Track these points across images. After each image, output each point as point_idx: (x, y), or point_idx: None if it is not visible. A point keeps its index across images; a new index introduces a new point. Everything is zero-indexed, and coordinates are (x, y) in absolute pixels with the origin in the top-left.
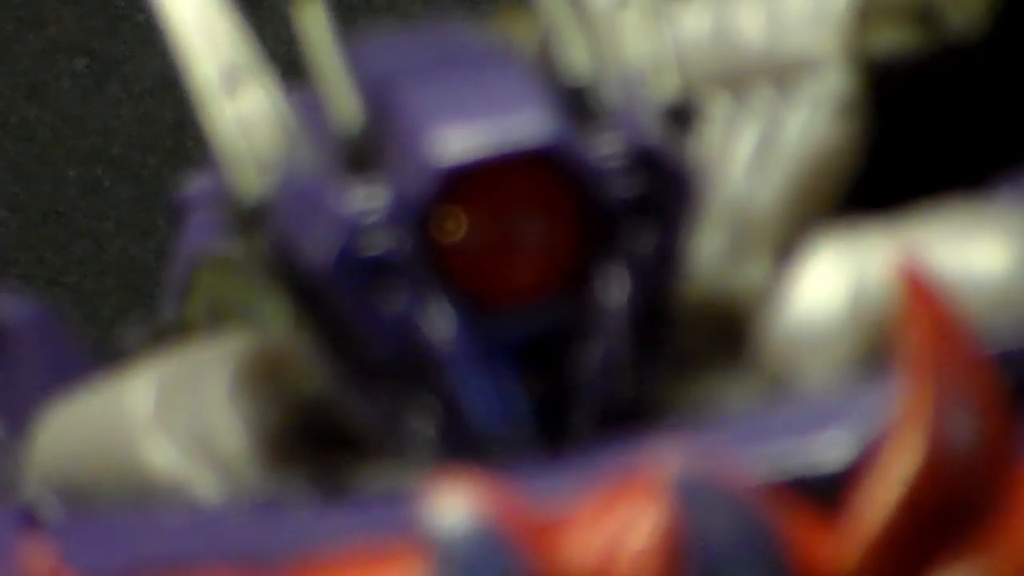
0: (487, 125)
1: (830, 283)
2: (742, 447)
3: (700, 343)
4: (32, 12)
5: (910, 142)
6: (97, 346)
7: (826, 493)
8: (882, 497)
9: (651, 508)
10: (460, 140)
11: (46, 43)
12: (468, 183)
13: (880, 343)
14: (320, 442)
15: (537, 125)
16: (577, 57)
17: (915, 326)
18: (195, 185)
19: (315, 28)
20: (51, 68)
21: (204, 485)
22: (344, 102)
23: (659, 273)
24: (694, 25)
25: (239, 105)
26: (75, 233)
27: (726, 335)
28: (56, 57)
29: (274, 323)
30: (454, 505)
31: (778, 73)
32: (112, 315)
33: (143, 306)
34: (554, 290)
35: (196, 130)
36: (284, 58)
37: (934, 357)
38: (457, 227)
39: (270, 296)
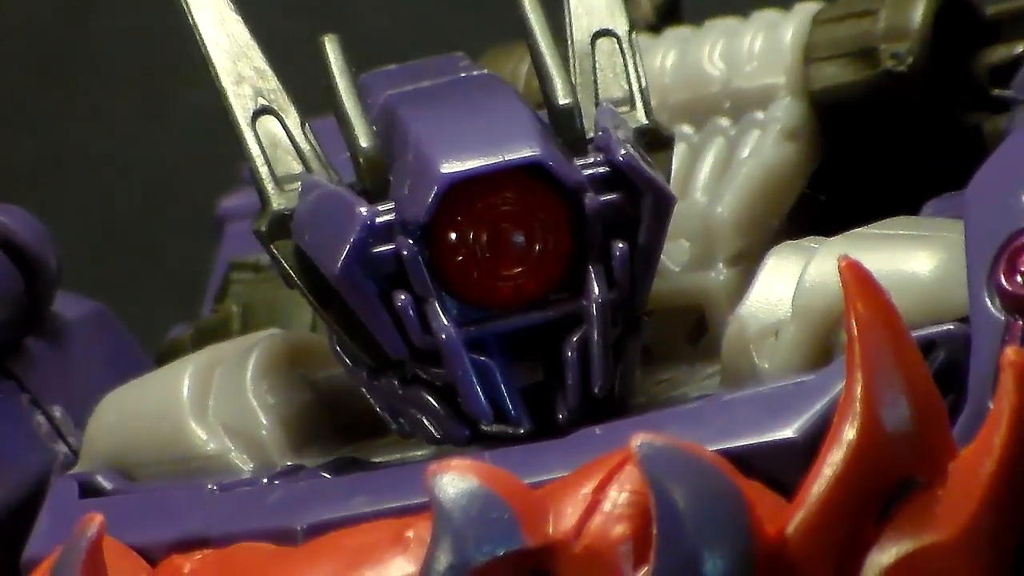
0: (480, 145)
1: (781, 285)
2: (704, 426)
3: (667, 334)
4: None
5: (851, 164)
6: (148, 341)
7: (778, 468)
8: (823, 470)
9: (621, 475)
10: (458, 157)
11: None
12: (465, 195)
13: (823, 337)
14: (336, 424)
15: (524, 143)
16: (562, 86)
17: (856, 316)
18: (231, 200)
19: (335, 63)
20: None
21: (236, 459)
22: (358, 126)
23: (634, 274)
24: (662, 60)
25: (267, 131)
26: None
27: (690, 327)
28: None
29: (296, 319)
30: (453, 472)
31: (734, 102)
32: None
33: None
34: (543, 291)
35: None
36: (304, 94)
37: (873, 344)
38: (456, 236)
39: (295, 296)
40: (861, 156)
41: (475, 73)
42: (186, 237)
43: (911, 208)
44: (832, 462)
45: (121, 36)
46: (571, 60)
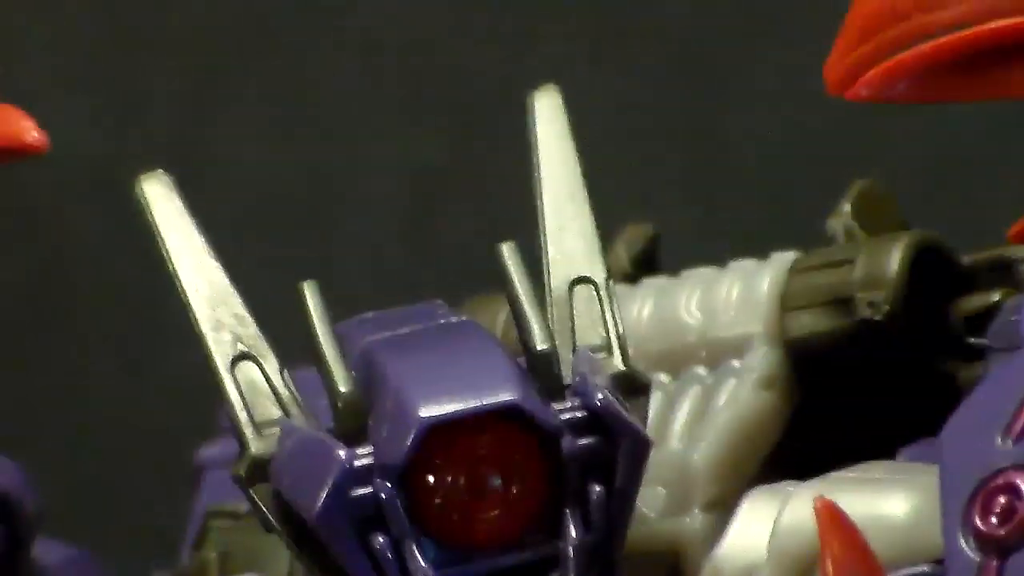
0: (458, 389)
1: (757, 528)
2: None
3: None
4: None
5: (826, 410)
6: None
7: None
8: None
9: None
10: (436, 401)
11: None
12: (443, 438)
13: None
14: None
15: (502, 388)
16: (539, 332)
17: (832, 556)
18: (209, 449)
19: (314, 309)
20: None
21: None
22: (336, 370)
23: (611, 518)
24: (639, 310)
25: (246, 377)
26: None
27: (665, 572)
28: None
29: (273, 566)
30: None
31: (710, 351)
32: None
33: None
34: (519, 532)
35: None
36: (283, 341)
37: None
38: (434, 478)
39: (272, 542)
40: (836, 402)
41: (454, 320)
42: (165, 486)
43: (886, 454)
44: None
45: (97, 291)
46: (548, 307)
